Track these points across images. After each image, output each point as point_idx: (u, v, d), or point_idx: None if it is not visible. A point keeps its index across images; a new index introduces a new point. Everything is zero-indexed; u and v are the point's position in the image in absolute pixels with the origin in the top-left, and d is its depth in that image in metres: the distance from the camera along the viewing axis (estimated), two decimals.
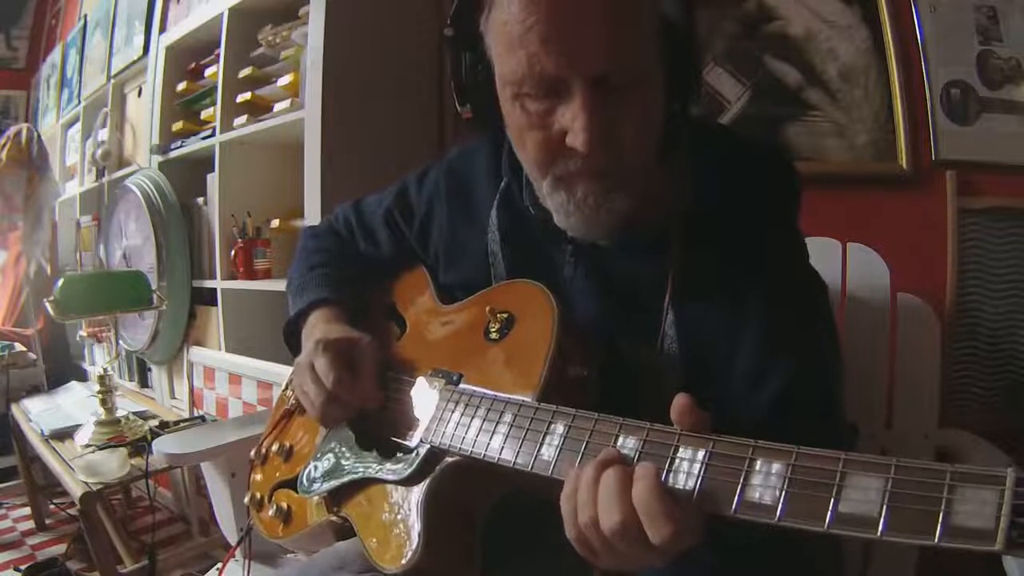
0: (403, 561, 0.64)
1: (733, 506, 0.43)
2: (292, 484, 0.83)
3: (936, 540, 0.35)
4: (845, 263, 1.13)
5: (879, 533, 0.37)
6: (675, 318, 0.67)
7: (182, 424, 1.91)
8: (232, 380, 1.93)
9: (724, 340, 0.66)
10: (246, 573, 1.04)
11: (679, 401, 0.48)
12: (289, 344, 0.90)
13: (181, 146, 2.12)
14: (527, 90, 0.61)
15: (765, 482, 0.42)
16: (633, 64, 0.60)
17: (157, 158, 2.21)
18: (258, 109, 1.82)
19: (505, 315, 0.69)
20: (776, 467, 0.42)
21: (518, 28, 0.58)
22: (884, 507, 0.37)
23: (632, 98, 0.60)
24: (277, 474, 0.88)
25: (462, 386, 0.69)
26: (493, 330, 0.70)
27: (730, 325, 0.66)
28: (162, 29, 2.29)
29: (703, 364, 0.67)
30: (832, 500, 0.39)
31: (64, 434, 1.92)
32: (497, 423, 0.60)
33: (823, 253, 1.10)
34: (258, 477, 0.92)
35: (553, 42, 0.58)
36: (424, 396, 0.73)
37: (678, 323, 0.67)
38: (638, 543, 0.45)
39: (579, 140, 0.59)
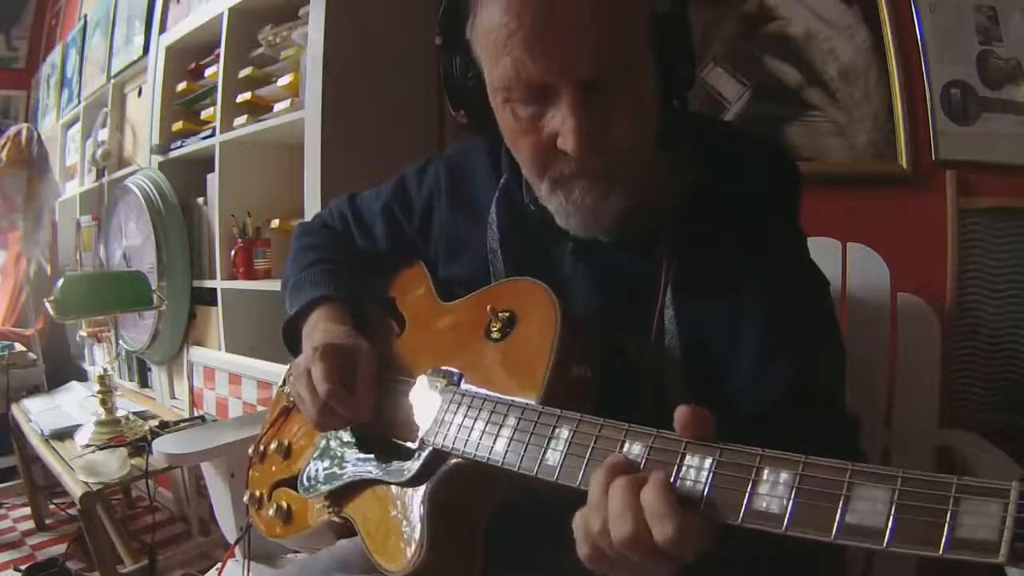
0: (406, 564, 0.64)
1: (740, 515, 0.43)
2: (292, 483, 0.83)
3: (941, 552, 0.35)
4: (845, 263, 1.13)
5: (885, 544, 0.37)
6: (676, 313, 0.67)
7: (182, 424, 1.91)
8: (232, 380, 1.93)
9: (725, 334, 0.66)
10: (245, 573, 1.04)
11: (681, 412, 0.47)
12: (288, 344, 0.88)
13: (181, 146, 2.12)
14: (515, 96, 0.61)
15: (772, 491, 0.42)
16: (621, 65, 0.59)
17: (157, 158, 2.21)
18: (258, 109, 1.82)
19: (506, 314, 0.68)
20: (784, 476, 0.42)
21: (502, 35, 0.58)
22: (890, 518, 0.37)
23: (622, 96, 0.60)
24: (276, 472, 0.88)
25: (464, 387, 0.68)
26: (494, 329, 0.69)
27: (731, 319, 0.66)
28: (162, 29, 2.29)
29: (704, 358, 0.66)
30: (839, 511, 0.39)
31: (64, 434, 1.92)
32: (500, 426, 0.60)
33: (823, 253, 1.09)
34: (256, 475, 0.92)
35: (537, 49, 0.57)
36: (426, 397, 0.72)
37: (679, 318, 0.67)
38: (651, 552, 0.45)
39: (569, 144, 0.59)
